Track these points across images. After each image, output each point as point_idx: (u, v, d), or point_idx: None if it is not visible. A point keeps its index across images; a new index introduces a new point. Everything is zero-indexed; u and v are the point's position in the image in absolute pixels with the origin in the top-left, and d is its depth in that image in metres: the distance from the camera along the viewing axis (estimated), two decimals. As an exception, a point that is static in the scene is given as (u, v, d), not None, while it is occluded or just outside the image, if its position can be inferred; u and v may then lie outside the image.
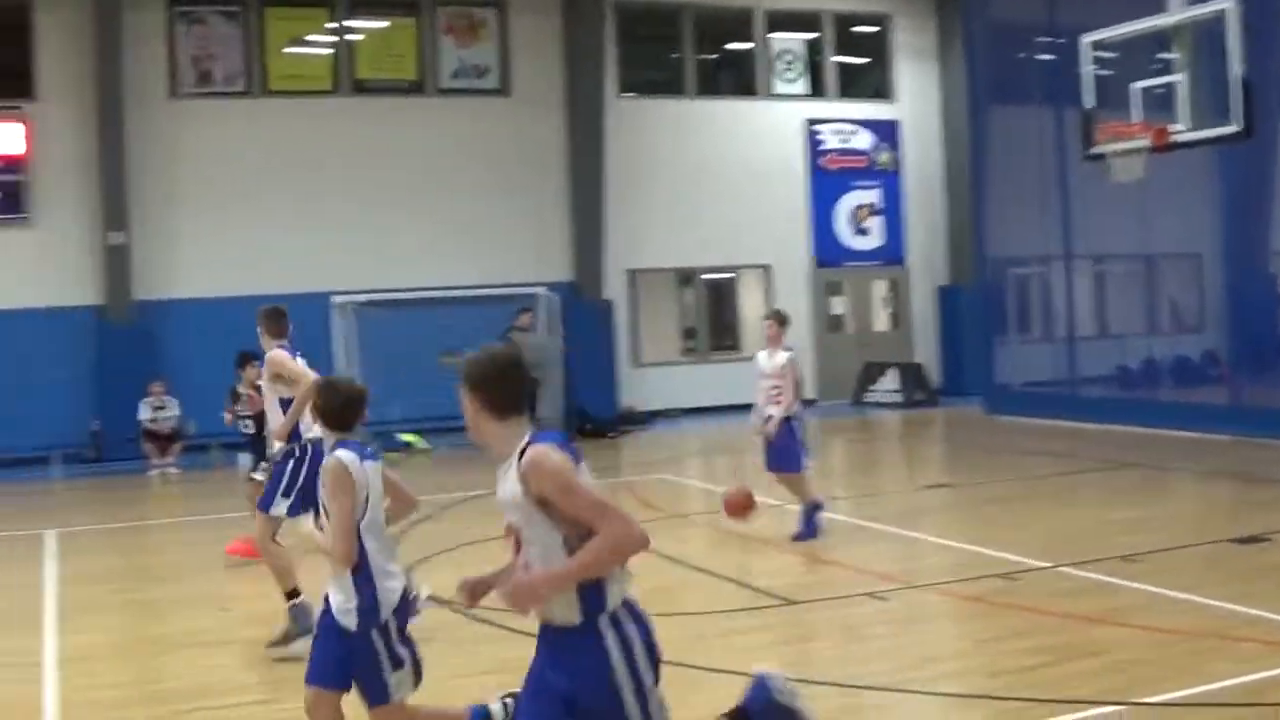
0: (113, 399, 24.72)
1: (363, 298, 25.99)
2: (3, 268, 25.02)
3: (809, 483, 14.23)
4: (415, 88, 27.82)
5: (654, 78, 30.31)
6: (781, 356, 14.03)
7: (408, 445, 24.70)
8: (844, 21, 31.31)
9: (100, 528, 17.98)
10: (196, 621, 11.56)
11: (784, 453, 14.11)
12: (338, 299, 25.94)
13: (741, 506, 13.31)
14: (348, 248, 26.60)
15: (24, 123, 25.16)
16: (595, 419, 26.46)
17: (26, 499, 21.41)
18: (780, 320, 14.21)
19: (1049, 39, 25.16)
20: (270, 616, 11.53)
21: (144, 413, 23.25)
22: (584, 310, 27.84)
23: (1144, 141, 18.91)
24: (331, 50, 27.38)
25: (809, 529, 13.96)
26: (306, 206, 26.58)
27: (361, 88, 27.47)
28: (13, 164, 25.12)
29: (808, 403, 29.67)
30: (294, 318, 25.03)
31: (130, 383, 24.14)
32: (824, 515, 14.16)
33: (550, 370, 24.43)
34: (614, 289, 28.61)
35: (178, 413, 23.40)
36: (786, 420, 13.95)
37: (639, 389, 28.75)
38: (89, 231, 25.40)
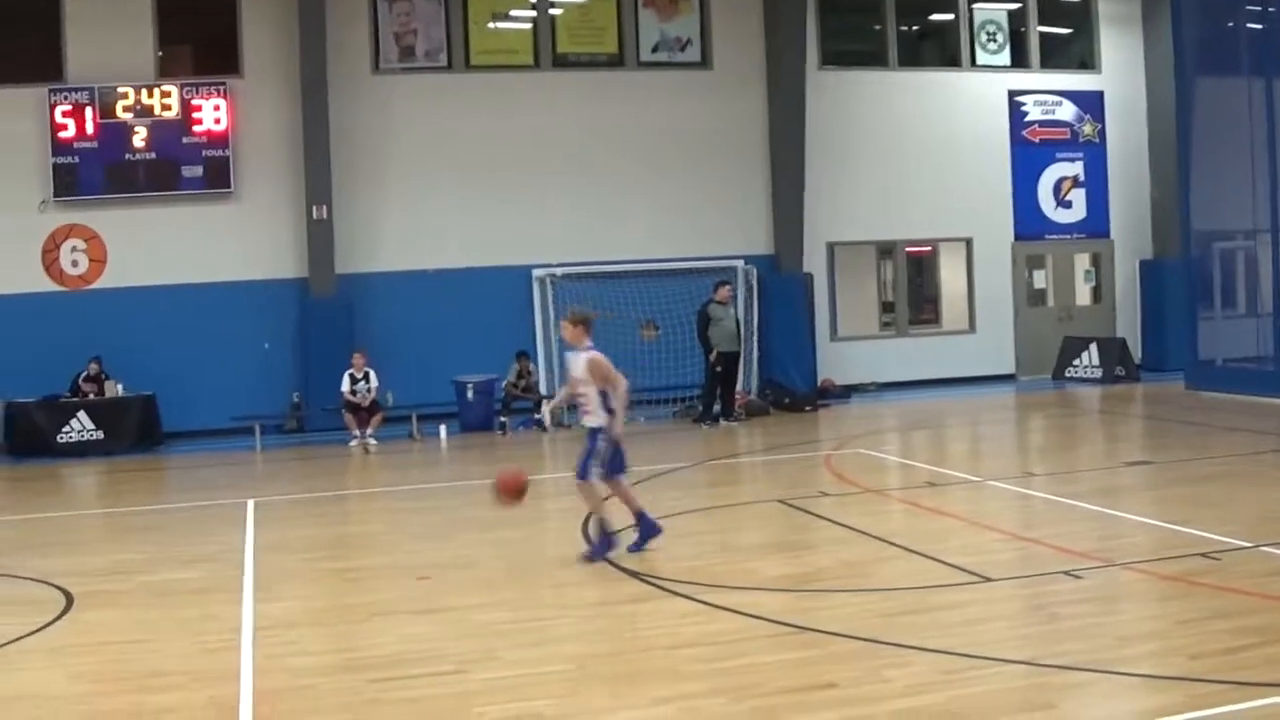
0: (314, 371, 25.07)
1: (562, 271, 26.02)
2: (208, 242, 25.50)
3: (595, 496, 12.64)
4: (615, 61, 27.69)
5: (855, 49, 29.79)
6: (582, 359, 12.50)
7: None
8: (1047, -9, 30.58)
9: (300, 497, 18.19)
10: (393, 592, 11.57)
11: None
12: (538, 272, 26.03)
13: (511, 488, 12.35)
14: (547, 221, 26.63)
15: (229, 99, 25.56)
16: (793, 392, 26.14)
17: (229, 468, 21.80)
18: (574, 320, 12.66)
19: (1258, 7, 24.26)
20: (467, 586, 11.52)
21: (345, 385, 23.47)
22: (783, 283, 27.49)
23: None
24: (532, 24, 27.36)
25: (595, 548, 12.46)
26: (506, 180, 26.62)
27: (562, 62, 27.43)
28: (218, 140, 25.54)
29: (1005, 378, 29.41)
30: (494, 290, 25.55)
31: (331, 355, 24.43)
32: (617, 540, 12.64)
33: (745, 342, 24.18)
34: (813, 262, 28.19)
35: (378, 385, 23.58)
36: (593, 430, 12.51)
37: (837, 363, 28.34)
38: (292, 206, 25.77)
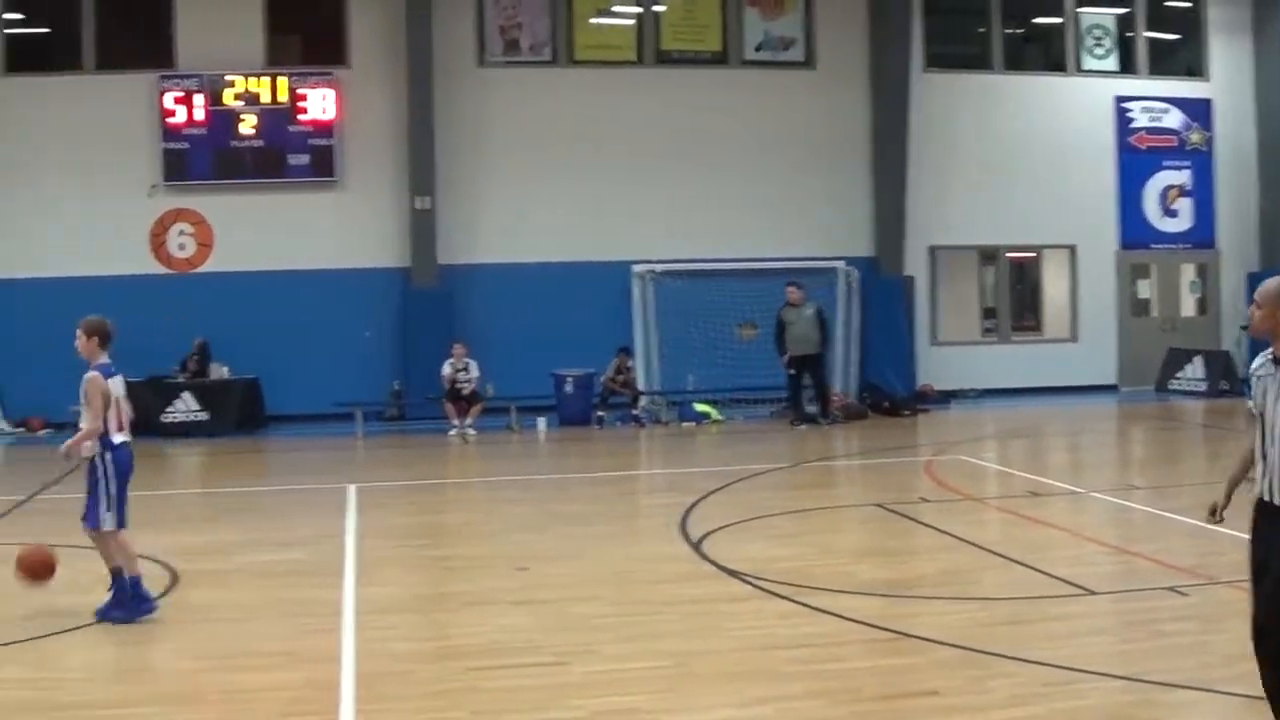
0: (414, 360, 25.29)
1: (661, 267, 26.05)
2: (312, 229, 25.82)
3: (108, 544, 10.65)
4: (719, 59, 27.66)
5: (960, 52, 29.57)
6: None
7: (704, 416, 24.62)
8: (1156, -4, 30.20)
9: (399, 484, 18.36)
10: (492, 581, 11.61)
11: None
12: (637, 268, 26.07)
13: (32, 567, 10.37)
14: (648, 217, 26.65)
15: (335, 89, 25.82)
16: (891, 396, 26.00)
17: (330, 453, 22.05)
18: (86, 330, 10.87)
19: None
20: (564, 578, 11.56)
21: (445, 373, 23.62)
22: (883, 286, 27.35)
23: None
24: (636, 21, 27.39)
25: (108, 608, 10.42)
26: (608, 176, 26.70)
27: (665, 59, 27.43)
28: (324, 129, 25.82)
29: (1107, 388, 29.05)
30: (593, 285, 25.61)
31: (431, 345, 24.60)
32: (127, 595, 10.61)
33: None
34: (914, 265, 28.04)
35: (478, 375, 23.71)
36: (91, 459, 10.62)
37: (937, 368, 28.13)
38: (395, 196, 26.00)
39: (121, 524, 10.62)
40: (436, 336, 24.69)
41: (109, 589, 10.43)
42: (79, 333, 10.72)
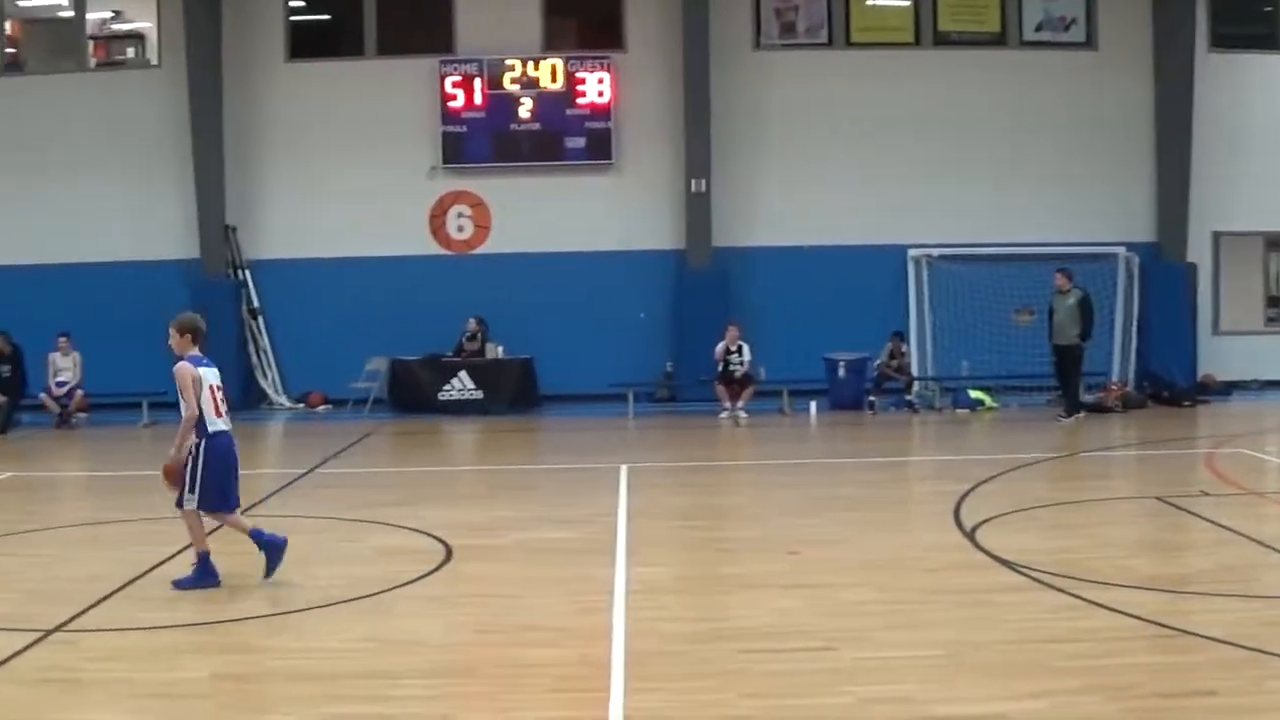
0: (687, 342, 25.36)
1: (938, 252, 25.63)
2: (588, 211, 26.10)
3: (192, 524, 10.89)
4: (997, 40, 27.04)
5: (1247, 32, 28.34)
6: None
7: (978, 403, 24.15)
8: None
9: (671, 465, 18.39)
10: (764, 564, 11.48)
11: None
12: (913, 252, 25.71)
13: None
14: (924, 201, 26.19)
15: (612, 73, 25.99)
16: (1171, 386, 25.14)
17: (602, 433, 22.21)
18: (179, 329, 10.89)
19: None
20: (836, 564, 11.42)
21: (718, 356, 23.59)
22: (1165, 273, 26.40)
23: None
24: (913, 2, 26.94)
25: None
26: (883, 159, 26.32)
27: (943, 40, 26.93)
28: (600, 112, 26.04)
29: None
30: (868, 269, 25.33)
31: (704, 327, 24.60)
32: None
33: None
34: (1197, 252, 27.04)
35: (751, 358, 23.63)
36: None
37: (1218, 358, 27.04)
38: (671, 178, 26.08)
39: (228, 506, 10.99)
40: (710, 319, 24.67)
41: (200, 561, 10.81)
42: (172, 330, 10.94)
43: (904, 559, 11.58)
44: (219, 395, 10.81)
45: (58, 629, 9.43)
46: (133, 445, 21.21)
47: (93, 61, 27.03)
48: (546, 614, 9.81)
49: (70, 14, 26.81)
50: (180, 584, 10.68)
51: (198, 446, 10.68)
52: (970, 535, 12.36)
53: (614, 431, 22.46)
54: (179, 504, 10.75)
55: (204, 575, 10.69)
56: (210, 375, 10.79)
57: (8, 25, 26.95)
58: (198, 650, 9.16)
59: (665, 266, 26.04)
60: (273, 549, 10.88)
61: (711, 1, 25.64)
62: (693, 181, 25.67)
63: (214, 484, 10.75)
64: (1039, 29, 27.06)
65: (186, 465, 10.67)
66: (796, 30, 26.70)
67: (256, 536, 10.89)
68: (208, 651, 9.15)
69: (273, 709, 7.85)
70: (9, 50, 26.99)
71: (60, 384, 23.85)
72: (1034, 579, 10.53)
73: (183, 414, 10.68)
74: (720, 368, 23.59)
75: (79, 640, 9.30)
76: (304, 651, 8.93)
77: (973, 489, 14.92)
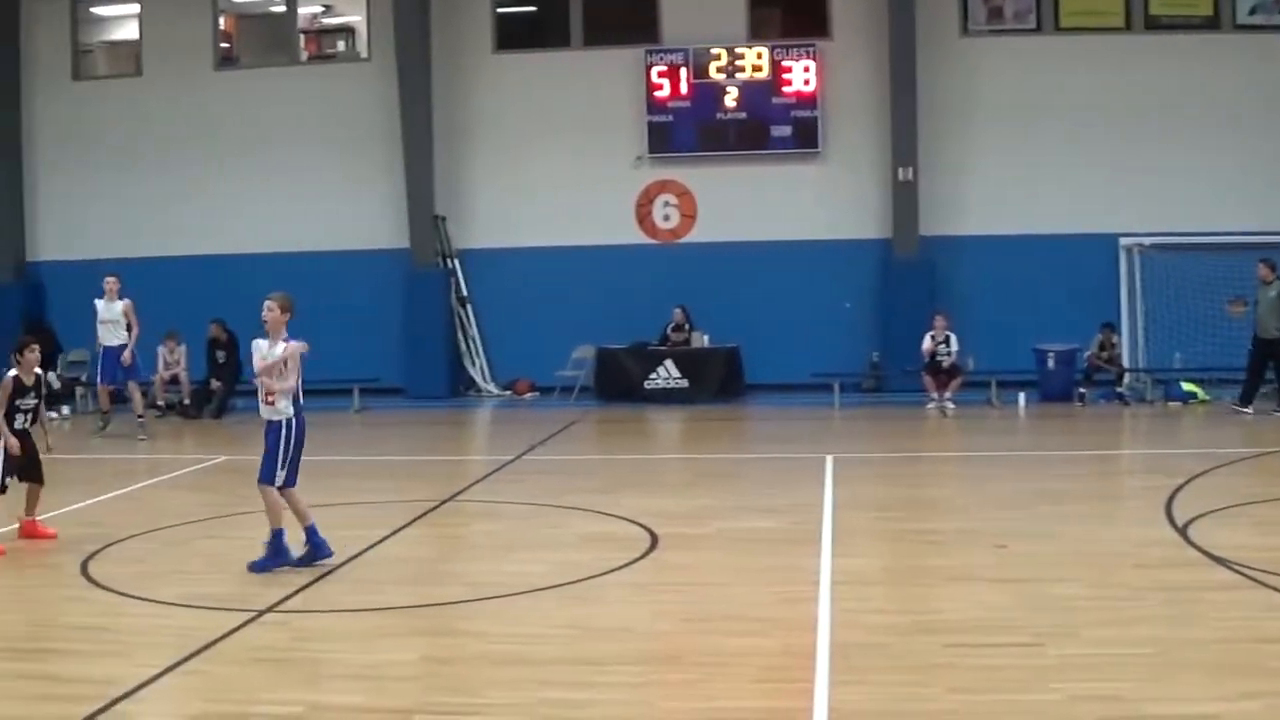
0: (893, 332, 25.17)
1: (1150, 241, 25.05)
2: (794, 200, 25.97)
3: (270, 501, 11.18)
4: (1210, 24, 26.22)
5: None
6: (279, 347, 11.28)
7: (1191, 396, 23.56)
8: None
9: (876, 456, 18.26)
10: (971, 557, 11.40)
11: None
12: (1125, 241, 25.12)
13: None
14: (1135, 189, 25.55)
15: (817, 61, 25.87)
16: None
17: (807, 423, 22.18)
18: (281, 306, 11.28)
19: None
20: (1044, 558, 11.25)
21: (926, 346, 23.37)
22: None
23: None
24: (1127, -15, 26.38)
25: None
26: (1094, 146, 25.72)
27: (1154, 24, 26.20)
28: (806, 100, 25.92)
29: None
30: (1078, 258, 24.80)
31: (911, 317, 24.40)
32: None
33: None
34: None
35: (959, 348, 23.38)
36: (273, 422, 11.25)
37: None
38: (878, 167, 25.87)
39: (291, 482, 11.22)
40: (917, 308, 24.47)
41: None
42: (273, 305, 11.27)
43: (1114, 554, 11.36)
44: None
45: (269, 610, 9.72)
46: (344, 431, 21.65)
47: (304, 55, 27.78)
48: (751, 603, 9.84)
49: (282, 9, 27.53)
50: (257, 566, 10.96)
51: (289, 423, 11.09)
52: (1182, 531, 12.08)
53: (819, 421, 22.40)
54: (269, 481, 11.04)
55: (277, 555, 10.98)
56: None
57: (222, 20, 27.71)
58: (404, 633, 9.39)
59: (871, 255, 25.83)
60: (318, 551, 11.08)
61: (913, -12, 25.42)
62: (899, 170, 25.42)
63: (298, 461, 11.20)
64: (1253, 12, 26.18)
65: (276, 443, 11.03)
66: (1004, 15, 26.26)
67: (311, 534, 11.12)
68: (414, 634, 9.38)
69: (479, 692, 7.99)
70: (223, 45, 27.76)
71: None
72: (1249, 577, 10.26)
73: (283, 386, 11.12)
74: (927, 358, 23.36)
75: (290, 621, 9.61)
76: (509, 636, 9.08)
77: (1186, 483, 14.57)
